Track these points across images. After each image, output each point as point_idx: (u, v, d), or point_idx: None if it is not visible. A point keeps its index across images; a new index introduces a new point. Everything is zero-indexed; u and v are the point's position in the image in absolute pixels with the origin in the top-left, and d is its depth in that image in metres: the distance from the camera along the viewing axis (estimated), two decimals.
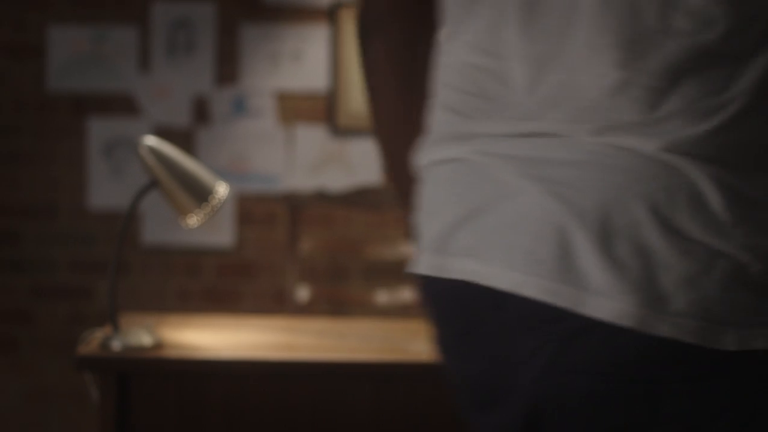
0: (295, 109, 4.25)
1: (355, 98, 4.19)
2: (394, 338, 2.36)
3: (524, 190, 1.22)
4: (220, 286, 4.28)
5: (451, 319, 1.35)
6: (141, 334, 2.16)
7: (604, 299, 1.16)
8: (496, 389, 1.30)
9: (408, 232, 1.54)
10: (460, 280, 1.27)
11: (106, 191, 4.23)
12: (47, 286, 4.27)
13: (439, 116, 1.37)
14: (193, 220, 2.26)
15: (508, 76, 1.27)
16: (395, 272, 4.21)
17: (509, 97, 1.27)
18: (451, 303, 1.32)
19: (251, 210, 4.26)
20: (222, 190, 2.28)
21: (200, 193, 2.25)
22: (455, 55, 1.34)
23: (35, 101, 4.23)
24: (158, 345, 2.16)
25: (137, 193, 2.23)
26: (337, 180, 4.14)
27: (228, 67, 4.23)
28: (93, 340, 2.19)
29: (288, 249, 3.38)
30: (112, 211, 4.22)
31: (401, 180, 1.56)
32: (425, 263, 1.33)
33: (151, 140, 2.24)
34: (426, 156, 1.37)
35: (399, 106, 1.56)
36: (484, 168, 1.27)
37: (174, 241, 4.24)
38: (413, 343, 2.33)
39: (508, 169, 1.24)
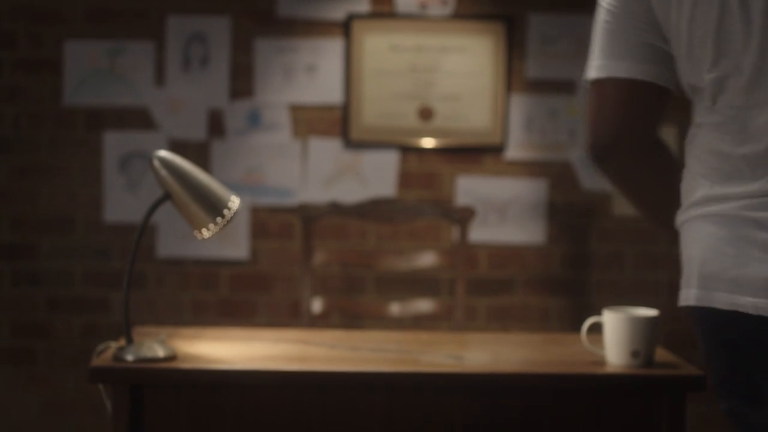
0: (310, 122, 4.26)
1: (369, 111, 4.21)
2: (407, 350, 2.37)
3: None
4: (235, 298, 4.29)
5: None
6: (154, 346, 2.18)
7: None
8: None
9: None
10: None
11: (122, 204, 4.26)
12: (64, 298, 4.29)
13: (695, 182, 1.85)
14: (207, 233, 2.28)
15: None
16: (408, 284, 4.21)
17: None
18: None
19: (266, 222, 4.28)
20: (235, 202, 2.29)
21: (213, 206, 2.27)
22: (703, 137, 1.83)
23: (52, 115, 4.26)
24: (171, 357, 2.18)
25: (151, 206, 2.24)
26: (350, 192, 4.16)
27: (242, 80, 4.25)
28: (107, 352, 2.20)
29: (302, 261, 3.39)
30: (128, 224, 4.24)
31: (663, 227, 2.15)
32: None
33: (164, 153, 2.26)
34: (686, 214, 1.92)
35: (639, 202, 2.20)
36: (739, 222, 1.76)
37: (189, 254, 4.26)
38: (426, 354, 2.34)
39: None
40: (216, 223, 2.26)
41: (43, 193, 4.27)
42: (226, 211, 2.26)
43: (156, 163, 2.25)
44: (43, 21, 4.24)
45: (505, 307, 4.29)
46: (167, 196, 2.25)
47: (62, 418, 4.30)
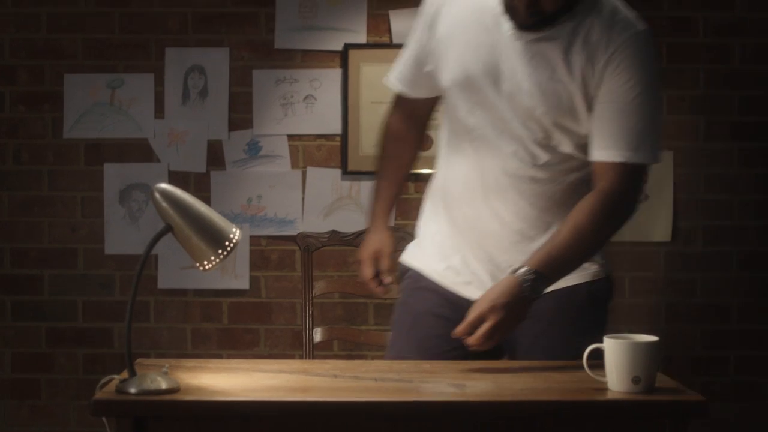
0: (308, 152, 4.28)
1: (367, 140, 4.23)
2: (409, 379, 2.38)
3: None
4: (236, 328, 4.30)
5: None
6: (157, 378, 2.18)
7: None
8: None
9: None
10: None
11: (122, 236, 4.27)
12: (66, 331, 4.30)
13: None
14: (209, 265, 2.29)
15: None
16: None
17: None
18: None
19: (266, 253, 4.30)
20: (236, 234, 2.30)
21: (215, 238, 2.27)
22: None
23: (53, 148, 4.29)
24: (174, 389, 2.18)
25: (152, 238, 2.25)
26: (350, 221, 4.17)
27: (241, 111, 4.28)
28: (110, 385, 2.21)
29: (302, 291, 3.40)
30: (129, 256, 4.26)
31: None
32: None
33: (165, 186, 2.27)
34: None
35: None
36: None
37: (190, 285, 4.27)
38: (428, 383, 2.35)
39: None
40: (218, 255, 2.27)
41: (45, 225, 4.29)
42: (227, 243, 2.28)
43: (157, 195, 2.26)
44: (43, 55, 4.27)
45: None
46: (169, 229, 2.26)
47: None
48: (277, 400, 2.17)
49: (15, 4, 4.26)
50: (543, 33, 2.43)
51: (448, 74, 2.59)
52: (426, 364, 2.55)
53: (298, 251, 4.01)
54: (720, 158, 4.36)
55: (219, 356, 4.23)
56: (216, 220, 2.29)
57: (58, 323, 4.30)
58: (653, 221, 4.34)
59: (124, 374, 2.22)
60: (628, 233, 4.29)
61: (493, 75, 2.50)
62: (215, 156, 4.28)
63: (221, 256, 2.28)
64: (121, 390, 2.16)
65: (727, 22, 4.33)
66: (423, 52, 2.67)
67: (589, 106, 2.45)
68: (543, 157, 2.54)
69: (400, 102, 2.87)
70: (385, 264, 2.85)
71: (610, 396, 2.21)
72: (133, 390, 2.15)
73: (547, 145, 2.53)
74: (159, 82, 4.28)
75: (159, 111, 4.29)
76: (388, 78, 2.83)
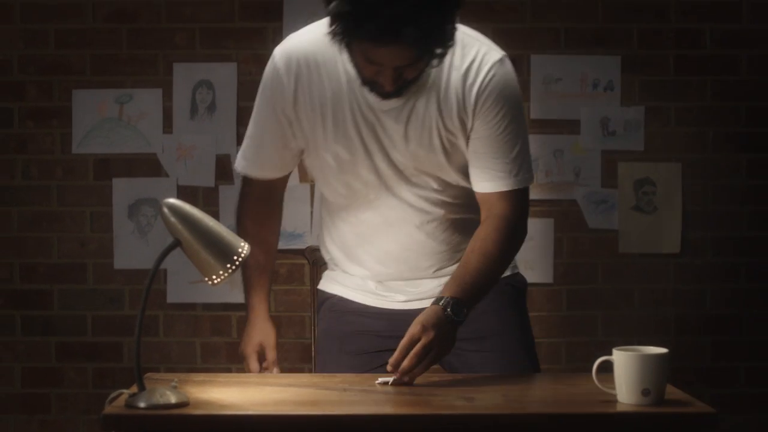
0: None
1: None
2: (418, 392, 2.38)
3: None
4: None
5: None
6: (166, 392, 2.18)
7: None
8: None
9: None
10: None
11: (131, 251, 4.28)
12: (76, 346, 4.31)
13: None
14: (217, 280, 2.29)
15: None
16: None
17: None
18: None
19: (275, 267, 4.29)
20: (245, 248, 2.31)
21: (224, 253, 2.28)
22: None
23: (62, 164, 4.30)
24: (184, 403, 2.18)
25: (161, 253, 2.26)
26: None
27: None
28: (119, 400, 2.21)
29: (311, 304, 3.40)
30: (138, 271, 4.27)
31: None
32: None
33: (173, 201, 2.28)
34: None
35: None
36: None
37: (199, 299, 4.28)
38: (438, 396, 2.34)
39: None
40: (227, 270, 2.27)
41: (54, 240, 4.30)
42: (236, 258, 2.28)
43: (165, 210, 2.26)
44: (51, 71, 4.29)
45: None
46: (177, 243, 2.27)
47: None
48: (287, 414, 2.17)
49: (23, 20, 4.28)
50: (407, 95, 2.47)
51: (325, 146, 2.58)
52: (435, 377, 2.55)
53: (307, 265, 4.01)
54: (728, 169, 4.36)
55: (228, 370, 4.23)
56: (224, 234, 2.29)
57: (67, 338, 4.31)
58: (662, 233, 4.33)
59: (134, 388, 2.22)
60: (636, 245, 4.32)
61: (374, 140, 2.54)
62: (224, 170, 4.29)
63: (230, 271, 2.28)
64: (130, 404, 2.16)
65: (734, 33, 4.33)
66: (284, 129, 2.61)
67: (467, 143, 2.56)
68: (437, 198, 2.63)
69: (255, 184, 2.78)
70: (271, 356, 2.81)
71: (619, 408, 2.21)
72: (142, 404, 2.15)
73: (440, 189, 2.62)
74: (167, 97, 4.30)
75: (167, 126, 4.30)
76: (241, 164, 2.76)
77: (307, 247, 3.47)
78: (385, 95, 2.44)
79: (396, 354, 2.38)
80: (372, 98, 2.49)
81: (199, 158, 4.28)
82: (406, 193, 2.62)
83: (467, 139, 2.54)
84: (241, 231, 2.75)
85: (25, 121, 4.30)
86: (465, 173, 2.61)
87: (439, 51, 2.35)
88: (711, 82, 4.34)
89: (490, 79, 2.50)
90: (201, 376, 2.54)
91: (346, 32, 2.31)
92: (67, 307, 4.31)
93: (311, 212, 4.27)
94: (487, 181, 2.57)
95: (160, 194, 4.20)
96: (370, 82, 2.42)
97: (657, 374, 2.22)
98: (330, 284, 2.86)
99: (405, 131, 2.53)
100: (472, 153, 2.55)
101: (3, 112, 4.30)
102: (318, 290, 2.92)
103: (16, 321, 4.31)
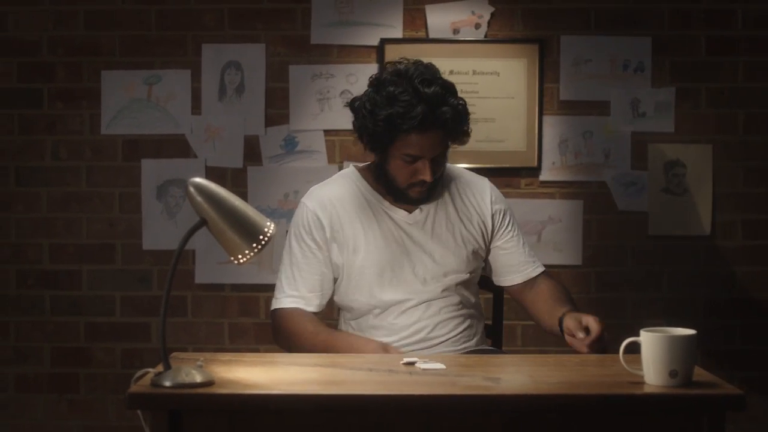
0: (345, 147, 4.28)
1: None
2: (444, 372, 2.37)
3: None
4: None
5: None
6: (192, 371, 2.19)
7: None
8: None
9: None
10: None
11: (160, 231, 4.29)
12: (104, 325, 4.33)
13: None
14: (243, 259, 2.29)
15: None
16: None
17: None
18: None
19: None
20: (270, 228, 2.31)
21: (249, 232, 2.28)
22: None
23: (90, 145, 4.31)
24: (209, 382, 2.19)
25: (186, 233, 2.26)
26: None
27: (278, 107, 4.29)
28: (145, 379, 2.22)
29: None
30: (167, 251, 4.28)
31: None
32: None
33: (199, 180, 2.28)
34: None
35: None
36: None
37: (227, 280, 4.29)
38: (464, 376, 2.34)
39: None
40: (252, 249, 2.27)
41: (83, 221, 4.32)
42: (262, 237, 2.28)
43: (191, 189, 2.27)
44: (80, 52, 4.30)
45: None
46: (203, 223, 2.27)
47: None
48: (311, 393, 2.17)
49: (53, 1, 4.29)
50: (428, 206, 2.97)
51: (361, 265, 2.93)
52: (461, 358, 2.54)
53: None
54: (759, 151, 4.32)
55: (256, 350, 4.24)
56: (250, 214, 2.30)
57: (96, 318, 4.33)
58: (692, 215, 4.30)
59: (160, 368, 2.23)
60: (666, 227, 4.29)
61: (404, 252, 2.95)
62: (252, 151, 4.29)
63: (255, 250, 2.28)
64: (155, 383, 2.17)
65: (766, 13, 4.29)
66: (326, 257, 2.96)
67: (487, 248, 3.06)
68: (457, 294, 3.03)
69: (303, 314, 2.95)
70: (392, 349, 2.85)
71: (647, 390, 2.20)
72: (167, 383, 2.16)
73: (463, 285, 3.04)
74: (196, 78, 4.30)
75: (196, 107, 4.30)
76: (287, 301, 2.94)
77: None
78: (416, 200, 2.93)
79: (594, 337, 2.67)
80: (398, 215, 2.96)
81: (228, 139, 4.29)
82: (435, 303, 2.97)
83: (487, 243, 3.05)
84: (307, 338, 2.87)
85: (55, 102, 4.32)
86: (476, 283, 3.10)
87: (465, 129, 2.88)
88: (742, 63, 4.30)
89: (495, 195, 3.09)
90: (227, 356, 2.55)
91: (393, 130, 2.79)
92: (95, 287, 4.33)
93: None
94: (520, 273, 3.07)
95: (189, 175, 4.13)
96: (407, 186, 2.88)
97: (684, 356, 2.21)
98: None
99: (431, 235, 2.96)
100: (500, 251, 3.06)
101: (33, 93, 4.32)
102: None
103: (46, 301, 4.33)
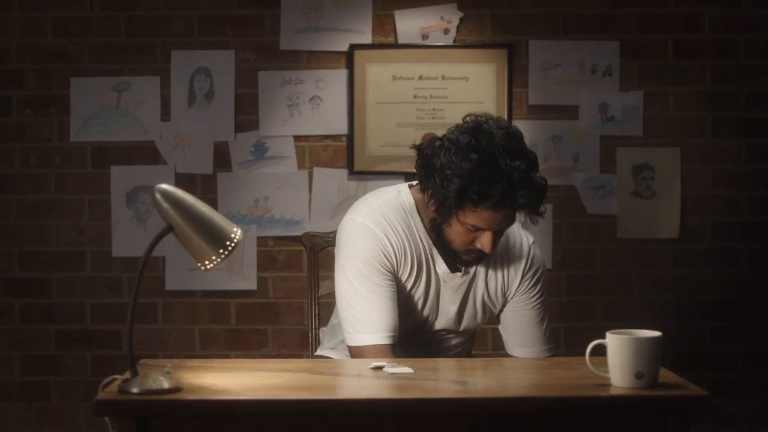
0: (315, 152, 4.29)
1: (373, 140, 4.23)
2: (412, 377, 2.38)
3: None
4: (243, 329, 4.31)
5: None
6: (159, 378, 2.19)
7: None
8: None
9: None
10: None
11: (130, 238, 4.28)
12: (75, 333, 4.32)
13: None
14: (210, 265, 2.29)
15: None
16: None
17: None
18: None
19: (273, 253, 4.30)
20: (237, 233, 2.30)
21: (216, 238, 2.28)
22: None
23: (60, 152, 4.30)
24: (177, 388, 2.18)
25: (153, 239, 2.26)
26: None
27: (247, 113, 4.29)
28: (112, 385, 2.22)
29: (309, 291, 3.40)
30: (137, 258, 4.27)
31: None
32: None
33: (165, 186, 2.28)
34: None
35: None
36: None
37: (197, 286, 4.28)
38: (431, 380, 2.34)
39: None
40: (219, 255, 2.27)
41: (53, 228, 4.31)
42: (228, 243, 2.28)
43: (158, 195, 2.26)
44: (49, 59, 4.29)
45: None
46: (169, 229, 2.27)
47: None
48: (280, 398, 2.17)
49: (21, 8, 4.28)
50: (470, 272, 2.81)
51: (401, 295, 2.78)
52: (429, 362, 2.55)
53: (305, 251, 4.01)
54: (727, 154, 4.35)
55: (227, 357, 4.24)
56: (217, 219, 2.29)
57: (66, 325, 4.32)
58: (661, 218, 4.33)
59: (127, 374, 2.23)
60: (635, 231, 4.31)
61: (435, 305, 2.82)
62: (222, 157, 4.29)
63: (222, 256, 2.28)
64: (123, 390, 2.17)
65: (733, 18, 4.32)
66: (393, 286, 2.74)
67: (504, 303, 2.90)
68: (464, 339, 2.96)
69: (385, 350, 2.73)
70: None
71: (613, 392, 2.21)
72: (135, 390, 2.16)
73: (468, 338, 2.99)
74: (165, 84, 4.29)
75: (165, 113, 4.30)
76: (366, 338, 2.70)
77: (305, 234, 3.46)
78: (466, 264, 2.75)
79: None
80: (441, 269, 2.77)
81: (197, 145, 4.28)
82: (446, 339, 2.89)
83: (502, 307, 2.89)
84: None
85: (24, 109, 4.30)
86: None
87: (541, 211, 2.65)
88: (710, 66, 4.33)
89: (532, 260, 2.87)
90: (196, 362, 2.54)
91: (465, 202, 2.55)
92: (65, 294, 4.31)
93: (309, 199, 4.27)
94: (526, 348, 2.88)
95: (158, 182, 4.11)
96: (462, 251, 2.68)
97: (650, 357, 2.22)
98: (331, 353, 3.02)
99: (459, 304, 2.83)
100: (512, 322, 2.89)
101: (1, 101, 4.30)
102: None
103: (15, 309, 4.32)
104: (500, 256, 2.83)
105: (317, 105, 4.29)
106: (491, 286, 2.85)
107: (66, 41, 4.29)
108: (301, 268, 4.28)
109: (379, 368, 2.44)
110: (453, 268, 2.78)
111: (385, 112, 4.26)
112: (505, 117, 4.25)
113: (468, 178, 2.51)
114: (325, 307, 3.73)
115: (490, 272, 2.84)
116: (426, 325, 2.85)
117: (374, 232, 2.70)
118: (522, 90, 4.30)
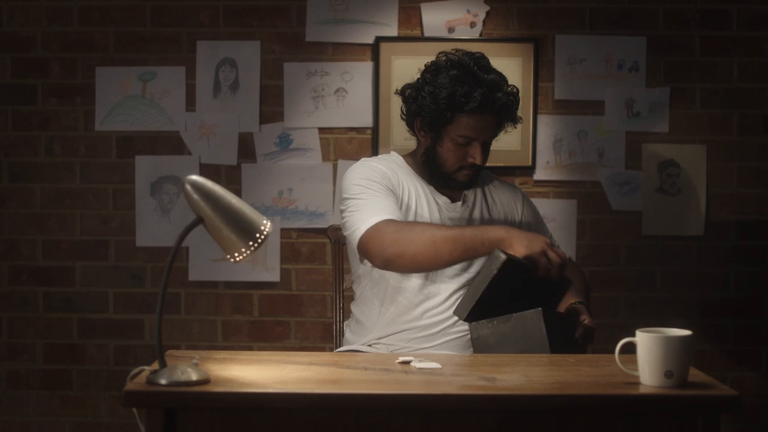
0: (339, 144, 4.28)
1: (398, 133, 4.22)
2: (440, 371, 2.37)
3: None
4: (266, 321, 4.31)
5: None
6: (187, 369, 2.19)
7: None
8: None
9: None
10: None
11: (154, 228, 4.29)
12: (98, 322, 4.33)
13: None
14: (239, 257, 2.29)
15: None
16: None
17: None
18: None
19: (296, 245, 4.30)
20: (267, 226, 2.30)
21: (246, 230, 2.27)
22: None
23: (85, 141, 4.30)
24: (205, 380, 2.19)
25: (183, 230, 2.25)
26: None
27: (272, 104, 4.28)
28: (140, 376, 2.22)
29: (333, 283, 3.40)
30: (160, 248, 4.28)
31: None
32: None
33: (196, 177, 2.27)
34: None
35: None
36: None
37: (221, 277, 4.28)
38: (459, 376, 2.34)
39: None
40: (249, 247, 2.27)
41: (77, 217, 4.32)
42: (258, 235, 2.28)
43: (188, 187, 2.26)
44: (75, 48, 4.29)
45: None
46: (200, 221, 2.26)
47: None
48: (308, 392, 2.17)
49: None
50: (468, 200, 3.11)
51: None
52: (457, 357, 2.54)
53: (329, 244, 4.01)
54: (753, 152, 4.32)
55: (249, 348, 4.24)
56: (247, 212, 2.29)
57: (89, 314, 4.33)
58: (686, 216, 4.31)
59: (155, 365, 2.23)
60: (660, 227, 4.29)
61: None
62: (246, 149, 4.29)
63: (252, 248, 2.28)
64: (151, 381, 2.17)
65: (761, 14, 4.29)
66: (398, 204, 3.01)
67: None
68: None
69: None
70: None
71: (642, 390, 2.20)
72: (163, 381, 2.16)
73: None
74: (190, 75, 4.29)
75: (190, 104, 4.30)
76: (375, 219, 2.87)
77: (330, 227, 3.46)
78: (462, 184, 3.07)
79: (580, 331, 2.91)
80: (441, 200, 3.07)
81: (222, 136, 4.28)
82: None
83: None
84: (428, 227, 2.90)
85: (49, 98, 4.31)
86: None
87: (518, 115, 3.06)
88: (737, 63, 4.31)
89: (524, 195, 3.28)
90: (222, 354, 2.55)
91: (454, 109, 2.93)
92: (89, 283, 4.32)
93: (333, 191, 4.26)
94: None
95: (183, 172, 4.21)
96: (456, 170, 3.02)
97: (680, 356, 2.21)
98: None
99: (467, 223, 3.08)
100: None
101: (27, 89, 4.31)
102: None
103: (39, 297, 4.33)
104: (495, 192, 3.21)
105: (342, 97, 4.28)
106: (492, 214, 3.14)
107: (92, 30, 4.30)
108: (324, 260, 4.28)
109: (407, 363, 2.44)
110: (452, 199, 3.09)
111: None
112: (531, 112, 4.24)
113: (452, 87, 2.93)
114: (349, 300, 3.73)
115: (486, 205, 3.15)
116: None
117: (372, 164, 3.06)
118: (548, 85, 4.28)
